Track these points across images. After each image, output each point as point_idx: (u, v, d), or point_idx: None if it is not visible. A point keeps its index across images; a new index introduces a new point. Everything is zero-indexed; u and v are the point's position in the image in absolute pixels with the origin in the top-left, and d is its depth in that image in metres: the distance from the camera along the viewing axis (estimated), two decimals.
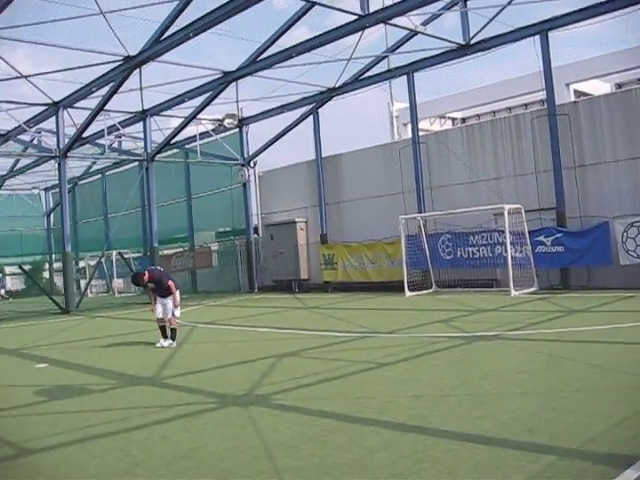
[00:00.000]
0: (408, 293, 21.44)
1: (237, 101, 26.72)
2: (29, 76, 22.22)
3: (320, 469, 5.21)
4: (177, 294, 13.61)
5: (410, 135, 24.76)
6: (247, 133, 30.39)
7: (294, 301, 23.16)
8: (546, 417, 6.17)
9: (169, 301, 13.50)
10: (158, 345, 13.35)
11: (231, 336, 14.60)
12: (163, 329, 13.57)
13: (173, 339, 13.50)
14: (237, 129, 29.86)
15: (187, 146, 30.84)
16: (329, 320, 16.47)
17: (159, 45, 19.88)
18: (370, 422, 6.44)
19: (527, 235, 19.59)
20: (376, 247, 24.50)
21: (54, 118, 25.45)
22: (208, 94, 25.19)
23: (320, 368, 9.50)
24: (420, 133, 24.17)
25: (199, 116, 27.50)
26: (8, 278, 43.69)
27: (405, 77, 23.96)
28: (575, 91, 32.79)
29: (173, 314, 13.56)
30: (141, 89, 24.04)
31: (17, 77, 21.91)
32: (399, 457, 5.33)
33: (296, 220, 28.40)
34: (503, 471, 4.85)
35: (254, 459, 5.57)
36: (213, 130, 29.45)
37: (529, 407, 6.57)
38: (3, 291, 23.09)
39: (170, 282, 13.65)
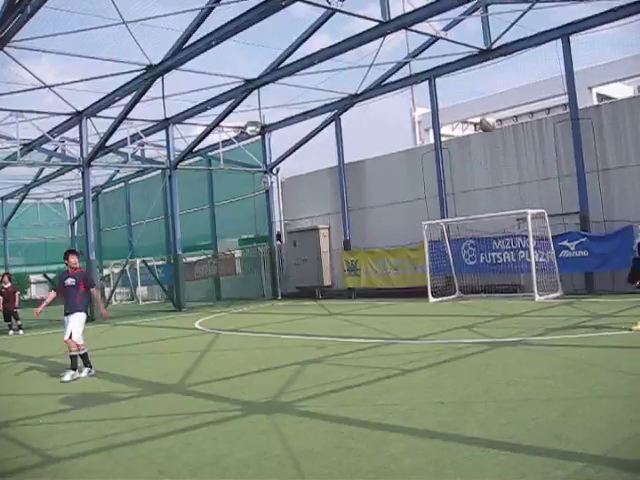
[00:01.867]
0: (432, 299, 21.40)
1: (259, 108, 26.80)
2: (53, 86, 22.38)
3: (346, 476, 5.20)
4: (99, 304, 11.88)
5: (432, 141, 24.74)
6: (269, 140, 30.55)
7: (318, 308, 23.16)
8: (572, 423, 6.13)
9: (73, 319, 11.09)
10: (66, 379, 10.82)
11: (255, 343, 14.60)
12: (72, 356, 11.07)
13: (75, 368, 10.96)
14: (259, 136, 29.98)
15: (210, 154, 30.99)
16: (353, 327, 16.45)
17: (181, 54, 20.02)
18: (395, 429, 6.42)
19: (551, 240, 19.49)
20: (399, 253, 24.47)
21: (77, 127, 25.67)
22: (230, 102, 25.29)
23: (344, 375, 9.48)
24: (442, 139, 24.16)
25: (221, 124, 27.63)
26: (34, 286, 44.05)
27: (427, 83, 23.96)
28: (598, 94, 32.70)
29: (71, 336, 10.96)
30: (163, 97, 24.15)
31: (41, 87, 22.08)
32: (424, 464, 5.31)
33: (319, 227, 28.42)
34: (529, 478, 4.82)
35: (279, 466, 5.58)
36: (236, 138, 29.59)
37: (554, 413, 6.52)
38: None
39: (93, 290, 11.61)
